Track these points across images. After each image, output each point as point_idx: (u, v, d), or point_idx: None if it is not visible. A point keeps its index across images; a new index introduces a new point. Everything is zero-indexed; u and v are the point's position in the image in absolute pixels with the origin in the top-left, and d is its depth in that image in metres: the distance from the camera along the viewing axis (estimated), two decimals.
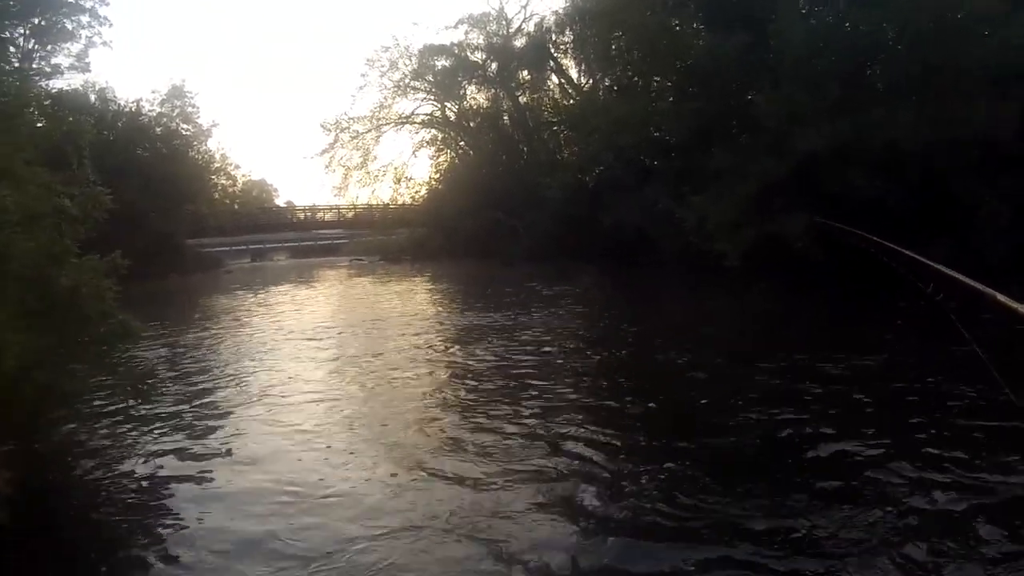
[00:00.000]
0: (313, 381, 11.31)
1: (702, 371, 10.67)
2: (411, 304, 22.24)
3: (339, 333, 16.12)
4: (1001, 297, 4.68)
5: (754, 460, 6.95)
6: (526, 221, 34.83)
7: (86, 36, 32.87)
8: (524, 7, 43.47)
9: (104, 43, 32.84)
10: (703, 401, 9.16)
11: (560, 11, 37.24)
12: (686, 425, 8.11)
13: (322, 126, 46.52)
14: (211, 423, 9.12)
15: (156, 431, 8.72)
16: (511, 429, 8.18)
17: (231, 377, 11.85)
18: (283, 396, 10.36)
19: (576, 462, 7.05)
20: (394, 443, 7.99)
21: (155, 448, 8.08)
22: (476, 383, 10.68)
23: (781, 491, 6.06)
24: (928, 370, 9.53)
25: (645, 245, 26.41)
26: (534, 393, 9.77)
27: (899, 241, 18.15)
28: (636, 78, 30.99)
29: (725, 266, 20.53)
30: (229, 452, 7.88)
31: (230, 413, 9.61)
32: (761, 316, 16.12)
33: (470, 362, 12.17)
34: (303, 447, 7.94)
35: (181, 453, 7.92)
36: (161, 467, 7.50)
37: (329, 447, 7.90)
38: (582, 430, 8.04)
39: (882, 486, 6.10)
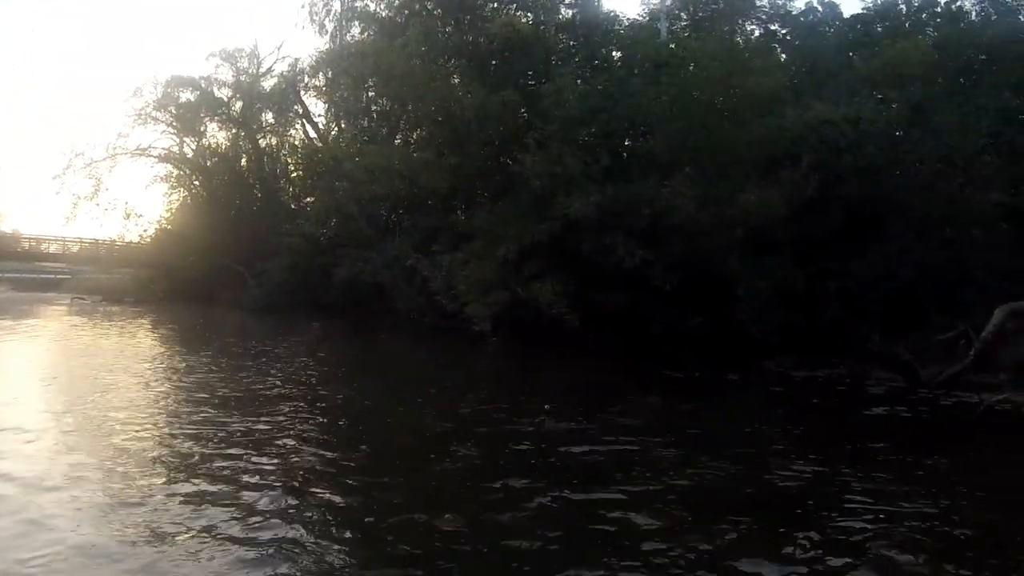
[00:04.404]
0: None
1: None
2: (114, 347, 18.98)
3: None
4: None
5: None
6: (256, 270, 31.57)
7: None
8: (279, 48, 40.89)
9: None
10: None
11: (318, 51, 35.02)
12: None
13: (59, 151, 40.65)
14: None
15: None
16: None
17: None
18: None
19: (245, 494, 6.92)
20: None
21: None
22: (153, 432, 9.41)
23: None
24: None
25: (382, 302, 24.27)
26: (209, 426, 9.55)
27: (659, 311, 17.72)
28: (386, 127, 29.39)
29: (474, 329, 18.74)
30: None
31: None
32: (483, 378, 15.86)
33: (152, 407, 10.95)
34: None
35: None
36: None
37: None
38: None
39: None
